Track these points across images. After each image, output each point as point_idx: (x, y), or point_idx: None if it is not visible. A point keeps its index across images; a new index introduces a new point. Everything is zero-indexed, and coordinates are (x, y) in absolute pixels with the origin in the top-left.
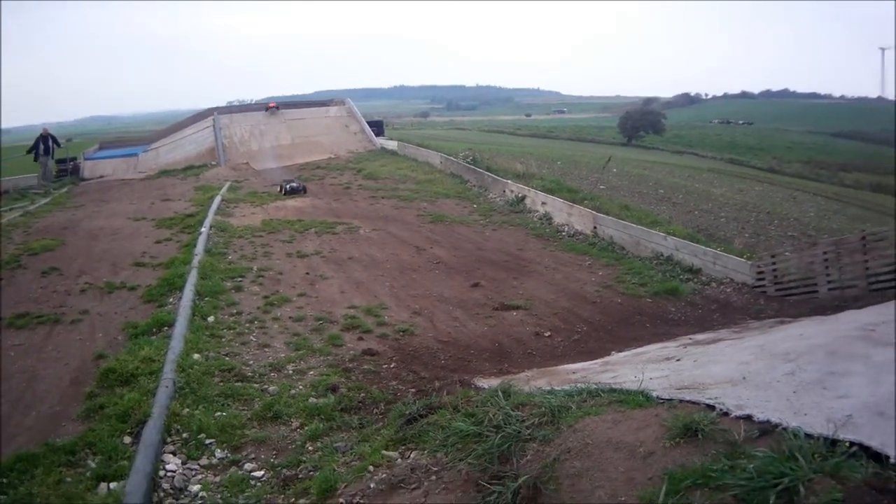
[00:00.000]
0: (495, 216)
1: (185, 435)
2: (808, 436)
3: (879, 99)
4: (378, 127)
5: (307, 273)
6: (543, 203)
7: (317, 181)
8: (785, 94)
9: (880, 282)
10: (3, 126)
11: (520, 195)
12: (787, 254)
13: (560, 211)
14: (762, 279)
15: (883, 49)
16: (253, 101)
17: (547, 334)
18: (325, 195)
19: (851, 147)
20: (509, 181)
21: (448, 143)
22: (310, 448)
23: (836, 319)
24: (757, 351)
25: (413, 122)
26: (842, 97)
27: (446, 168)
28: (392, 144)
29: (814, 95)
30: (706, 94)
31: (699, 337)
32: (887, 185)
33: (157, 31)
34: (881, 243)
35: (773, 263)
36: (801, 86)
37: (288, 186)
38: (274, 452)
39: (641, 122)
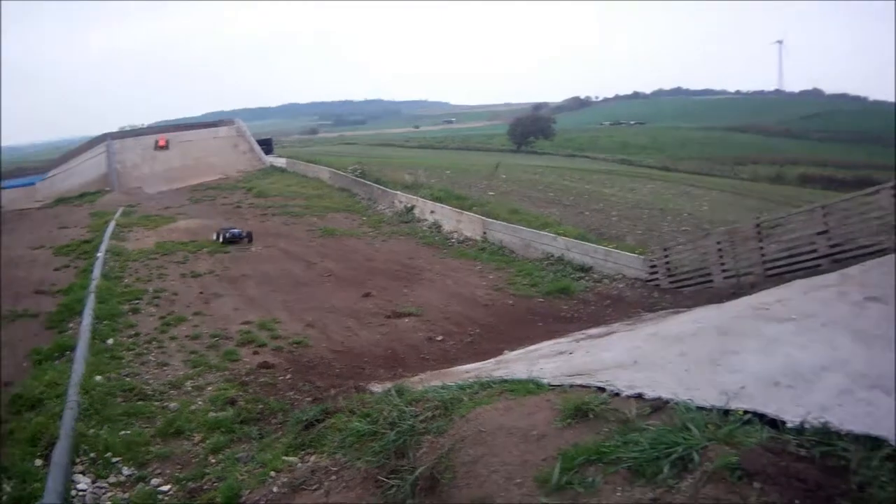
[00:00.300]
0: (385, 227)
1: (92, 455)
2: (701, 408)
3: (777, 91)
4: (268, 145)
5: (201, 292)
6: (432, 212)
7: (208, 202)
8: (678, 91)
9: (777, 267)
10: None
11: (409, 205)
12: (679, 246)
13: (449, 218)
14: (655, 273)
15: (780, 42)
16: (145, 126)
17: (439, 339)
18: (216, 215)
19: (748, 140)
20: (398, 192)
21: (337, 159)
22: (212, 460)
23: (730, 304)
24: (649, 337)
25: (302, 140)
26: (737, 92)
27: (335, 183)
28: (281, 162)
29: (708, 92)
30: (597, 97)
31: (592, 331)
32: (787, 176)
33: (44, 58)
34: (777, 229)
35: (666, 257)
36: (695, 83)
37: (228, 234)
38: (178, 467)
39: (531, 127)
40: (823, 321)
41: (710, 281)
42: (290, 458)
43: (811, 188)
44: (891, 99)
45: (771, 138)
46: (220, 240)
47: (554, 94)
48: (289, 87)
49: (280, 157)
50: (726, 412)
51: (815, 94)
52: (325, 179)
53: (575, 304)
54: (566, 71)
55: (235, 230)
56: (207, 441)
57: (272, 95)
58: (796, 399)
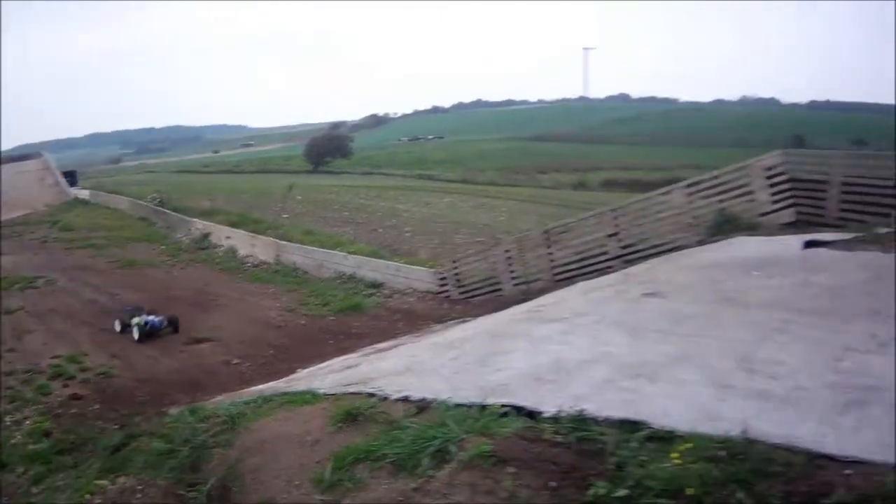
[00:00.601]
0: (183, 255)
1: None
2: (462, 405)
3: (581, 98)
4: (72, 177)
5: (13, 328)
6: (228, 237)
7: (15, 238)
8: (477, 104)
9: (569, 271)
10: None
11: (205, 232)
12: (469, 258)
13: (244, 243)
14: (445, 285)
15: (586, 49)
16: None
17: (235, 362)
18: (24, 251)
19: (551, 149)
20: (195, 219)
21: (139, 188)
22: (35, 490)
23: (510, 309)
24: (429, 346)
25: (106, 170)
26: (539, 101)
27: (135, 212)
28: (85, 193)
29: (509, 103)
30: (395, 114)
31: (382, 345)
32: (590, 182)
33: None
34: (566, 235)
35: (455, 268)
36: (496, 95)
37: (145, 322)
38: (6, 498)
39: (328, 147)
40: (595, 319)
41: (500, 289)
42: (102, 482)
43: (616, 192)
44: (705, 99)
45: (575, 145)
46: (135, 335)
47: (352, 112)
48: (93, 115)
49: (84, 188)
50: (484, 407)
51: (622, 98)
52: (125, 210)
53: (366, 320)
54: (364, 88)
55: (154, 318)
56: (29, 472)
57: (77, 126)
58: (556, 392)
